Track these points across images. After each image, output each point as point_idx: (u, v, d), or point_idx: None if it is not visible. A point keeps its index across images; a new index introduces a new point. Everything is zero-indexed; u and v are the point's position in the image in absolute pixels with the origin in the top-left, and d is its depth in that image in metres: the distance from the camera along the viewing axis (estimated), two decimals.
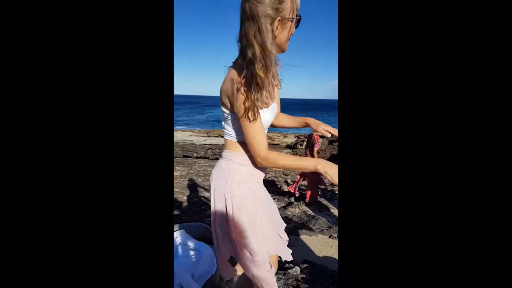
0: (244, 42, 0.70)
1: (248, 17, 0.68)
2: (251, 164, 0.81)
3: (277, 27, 0.69)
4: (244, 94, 0.68)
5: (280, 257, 0.91)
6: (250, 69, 0.68)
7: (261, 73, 0.67)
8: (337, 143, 10.78)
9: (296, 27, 0.75)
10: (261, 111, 0.72)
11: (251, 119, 0.69)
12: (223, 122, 0.84)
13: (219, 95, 0.82)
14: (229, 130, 0.82)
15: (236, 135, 0.81)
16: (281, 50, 0.77)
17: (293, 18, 0.71)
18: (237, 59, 0.77)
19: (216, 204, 0.83)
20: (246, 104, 0.68)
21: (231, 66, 0.78)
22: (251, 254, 0.80)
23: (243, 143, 0.79)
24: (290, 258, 0.90)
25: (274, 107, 0.80)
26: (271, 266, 0.85)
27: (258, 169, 0.83)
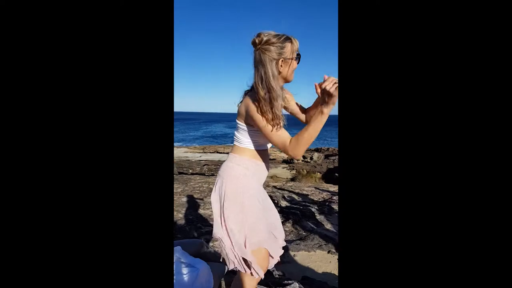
0: (256, 81, 0.91)
1: (257, 63, 0.91)
2: (247, 166, 0.99)
3: (281, 65, 0.91)
4: (259, 114, 0.89)
5: (279, 274, 0.94)
6: (259, 97, 0.90)
7: (267, 100, 0.89)
8: (333, 158, 10.82)
9: (297, 63, 0.95)
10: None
11: (273, 129, 0.88)
12: (235, 131, 1.02)
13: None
14: (239, 138, 1.01)
15: (243, 142, 1.00)
16: (287, 81, 0.97)
17: (293, 58, 0.92)
18: (249, 90, 1.00)
19: (214, 195, 1.00)
20: (263, 123, 0.89)
21: (246, 93, 1.00)
22: (232, 237, 0.94)
23: (246, 149, 1.00)
24: (278, 256, 1.03)
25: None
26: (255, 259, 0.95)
27: (254, 170, 1.00)
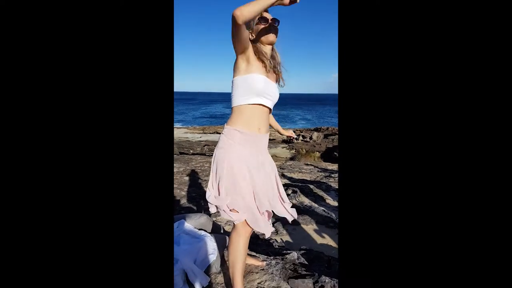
0: None
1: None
2: (232, 136, 1.12)
3: (251, 34, 1.17)
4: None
5: (279, 245, 1.01)
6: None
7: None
8: (332, 137, 10.88)
9: (264, 24, 1.13)
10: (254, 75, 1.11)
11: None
12: (231, 93, 1.16)
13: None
14: (232, 97, 1.14)
15: (235, 100, 1.13)
16: (263, 42, 1.16)
17: (256, 22, 1.15)
18: None
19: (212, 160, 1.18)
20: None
21: None
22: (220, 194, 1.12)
23: (237, 110, 1.13)
24: (267, 233, 1.13)
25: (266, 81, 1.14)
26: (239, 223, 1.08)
27: (238, 139, 1.11)
